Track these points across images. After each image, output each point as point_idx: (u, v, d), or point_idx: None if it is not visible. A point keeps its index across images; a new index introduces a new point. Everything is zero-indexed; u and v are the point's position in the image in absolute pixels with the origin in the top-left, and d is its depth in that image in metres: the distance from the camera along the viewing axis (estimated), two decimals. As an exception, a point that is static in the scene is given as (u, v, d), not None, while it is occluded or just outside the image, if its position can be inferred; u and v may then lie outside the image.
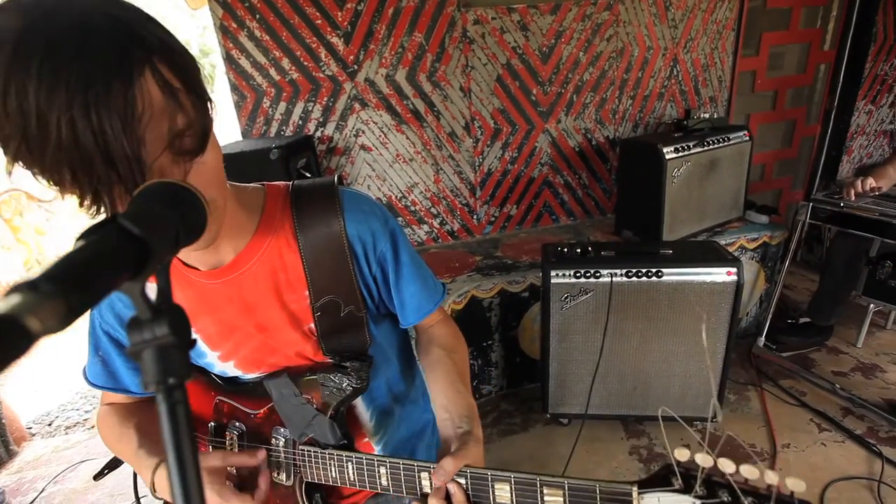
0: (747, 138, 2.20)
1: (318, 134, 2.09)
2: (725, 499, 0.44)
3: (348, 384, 0.68)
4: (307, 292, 0.68)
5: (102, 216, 0.52)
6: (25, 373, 3.08)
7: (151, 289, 0.29)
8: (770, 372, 2.15)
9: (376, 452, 0.80)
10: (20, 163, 0.43)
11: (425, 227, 2.37)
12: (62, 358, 3.22)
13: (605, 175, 2.52)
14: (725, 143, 2.13)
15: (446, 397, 0.70)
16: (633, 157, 2.14)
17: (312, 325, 0.69)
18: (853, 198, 1.91)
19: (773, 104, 2.75)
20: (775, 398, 2.01)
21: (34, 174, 0.44)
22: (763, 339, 2.20)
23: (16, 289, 0.21)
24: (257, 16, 1.87)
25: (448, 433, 0.66)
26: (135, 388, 0.74)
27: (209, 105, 0.49)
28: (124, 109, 0.40)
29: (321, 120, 2.07)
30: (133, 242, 0.29)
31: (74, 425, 2.57)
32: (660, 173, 1.97)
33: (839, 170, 2.88)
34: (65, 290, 0.22)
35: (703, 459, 0.44)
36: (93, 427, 2.54)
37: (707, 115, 2.18)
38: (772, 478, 0.41)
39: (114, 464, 0.99)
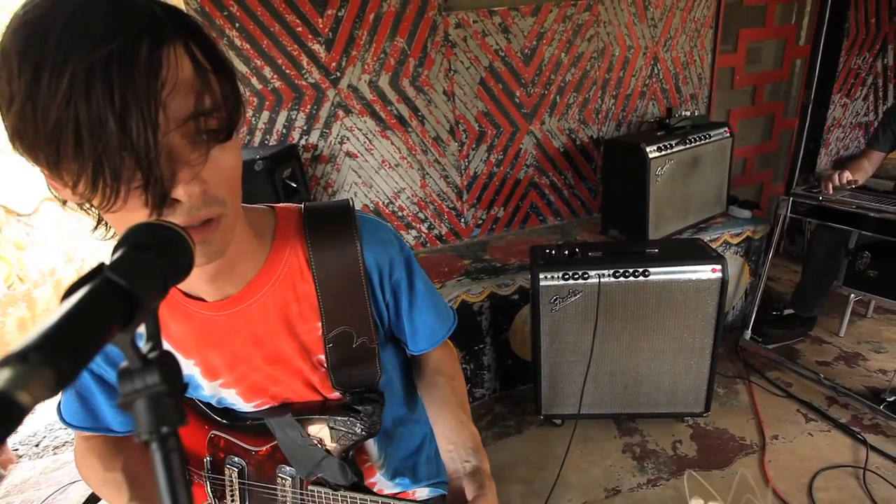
0: (728, 135, 2.24)
1: (303, 142, 2.07)
2: None
3: (361, 429, 0.66)
4: (320, 323, 0.65)
5: (96, 222, 0.51)
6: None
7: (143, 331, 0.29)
8: (757, 364, 2.19)
9: (379, 476, 0.79)
10: (18, 134, 0.40)
11: (413, 233, 2.37)
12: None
13: (591, 175, 2.54)
14: (707, 141, 2.16)
15: (450, 429, 0.68)
16: (617, 156, 2.16)
17: (322, 357, 0.67)
18: (831, 191, 1.96)
19: (752, 99, 2.80)
20: (763, 390, 2.05)
21: (30, 153, 0.41)
22: (749, 332, 2.25)
23: (6, 362, 0.21)
24: (237, 24, 1.85)
25: (455, 467, 0.65)
26: (118, 426, 0.69)
27: (241, 98, 0.47)
28: (147, 70, 0.38)
29: (305, 128, 2.06)
30: (121, 295, 0.28)
31: (63, 445, 2.53)
32: (644, 172, 2.00)
33: (818, 162, 2.94)
34: (54, 359, 0.22)
35: None
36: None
37: (688, 114, 2.21)
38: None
39: (94, 499, 0.97)
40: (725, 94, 2.71)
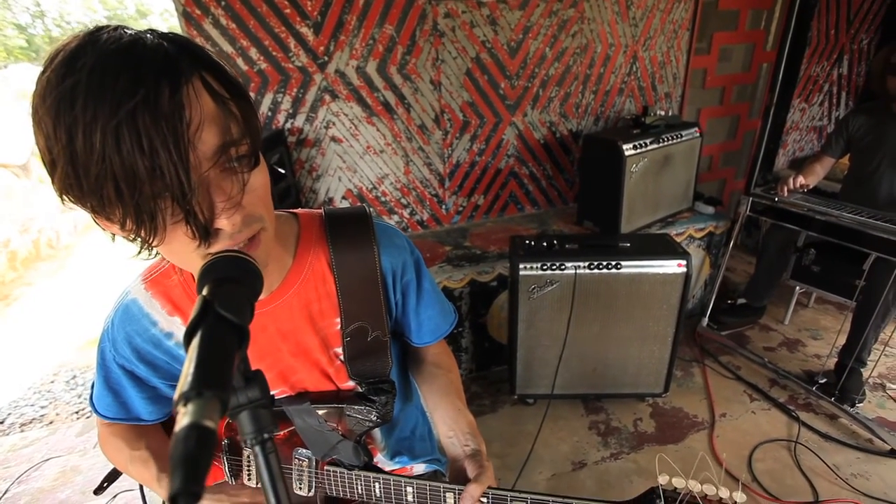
0: (698, 135, 2.37)
1: (288, 125, 2.06)
2: None
3: (376, 416, 0.73)
4: (338, 318, 0.72)
5: (143, 246, 0.53)
6: (-29, 369, 2.92)
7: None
8: (711, 349, 2.39)
9: (380, 456, 0.87)
10: (66, 191, 0.43)
11: (395, 218, 2.41)
12: (10, 352, 3.07)
13: (568, 166, 2.64)
14: (679, 140, 2.29)
15: (449, 416, 0.77)
16: (595, 152, 2.26)
17: (339, 350, 0.74)
18: (786, 194, 2.13)
19: (721, 100, 2.95)
20: (715, 373, 2.25)
21: (79, 203, 0.44)
22: (706, 319, 2.44)
23: (188, 397, 0.27)
24: (223, 3, 1.80)
25: (456, 452, 0.74)
26: (147, 415, 0.74)
27: (258, 119, 0.49)
28: (172, 114, 0.40)
29: (291, 111, 2.05)
30: (233, 329, 0.34)
31: (30, 422, 2.49)
32: (619, 168, 2.10)
33: (776, 162, 3.15)
34: (217, 391, 0.28)
35: (679, 482, 0.57)
36: (51, 423, 2.47)
37: (663, 113, 2.32)
38: (724, 493, 0.54)
39: (113, 476, 1.02)
40: (697, 93, 2.84)
